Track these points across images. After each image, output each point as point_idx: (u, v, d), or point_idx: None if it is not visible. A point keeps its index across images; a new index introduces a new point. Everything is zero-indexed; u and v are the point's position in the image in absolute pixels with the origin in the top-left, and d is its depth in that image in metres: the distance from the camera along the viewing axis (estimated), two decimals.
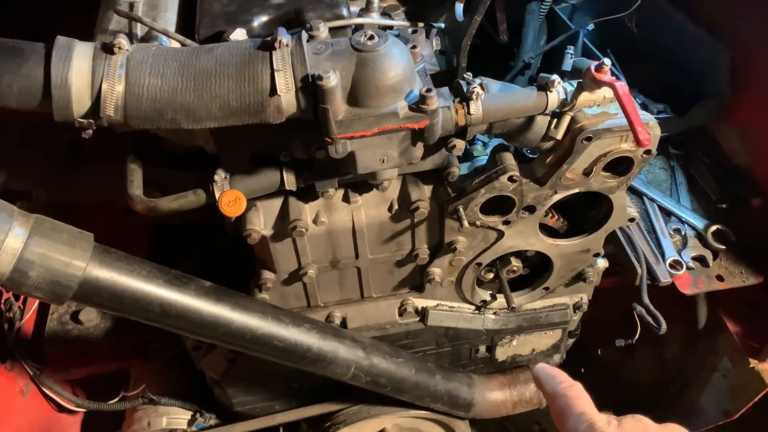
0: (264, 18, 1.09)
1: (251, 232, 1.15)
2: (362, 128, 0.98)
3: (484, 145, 1.42)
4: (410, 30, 1.31)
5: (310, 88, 0.92)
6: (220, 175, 1.10)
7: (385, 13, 1.33)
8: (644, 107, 1.70)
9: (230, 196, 1.04)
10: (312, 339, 1.21)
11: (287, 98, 0.93)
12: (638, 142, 0.99)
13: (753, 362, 1.47)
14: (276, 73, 0.91)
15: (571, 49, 1.49)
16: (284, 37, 0.94)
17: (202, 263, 1.61)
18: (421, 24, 1.26)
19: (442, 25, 1.30)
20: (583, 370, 2.04)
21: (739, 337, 1.52)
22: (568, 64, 1.46)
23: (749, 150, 1.63)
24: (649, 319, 1.42)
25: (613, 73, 1.56)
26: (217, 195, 1.07)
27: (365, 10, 1.17)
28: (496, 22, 2.22)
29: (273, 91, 0.92)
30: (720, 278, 1.48)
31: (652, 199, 1.62)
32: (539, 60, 1.88)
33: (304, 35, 0.98)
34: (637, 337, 1.49)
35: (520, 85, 1.91)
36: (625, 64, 1.89)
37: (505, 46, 2.00)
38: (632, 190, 1.64)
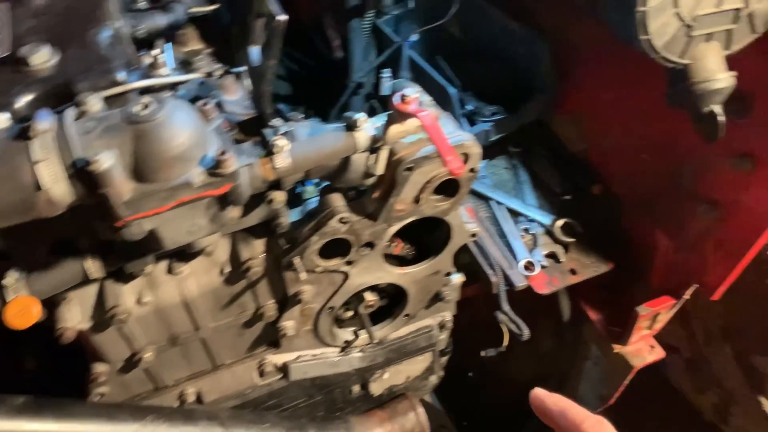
0: (29, 97, 0.97)
1: (63, 331, 1.02)
2: (155, 205, 0.88)
3: (318, 184, 1.36)
4: (215, 76, 1.22)
5: (83, 174, 0.82)
6: (11, 277, 0.96)
7: (185, 62, 1.23)
8: (477, 112, 1.70)
9: (17, 306, 0.91)
10: (159, 430, 1.10)
11: (58, 189, 0.82)
12: (450, 171, 0.96)
13: (616, 347, 1.51)
14: (37, 165, 0.80)
15: (387, 73, 1.45)
16: (43, 120, 0.83)
17: (49, 358, 1.46)
18: (219, 72, 1.17)
19: (244, 68, 1.23)
20: (471, 373, 2.04)
21: (601, 324, 1.56)
22: (386, 88, 1.43)
23: (583, 137, 1.68)
24: (512, 326, 1.41)
25: (440, 81, 1.54)
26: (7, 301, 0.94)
27: (153, 67, 1.07)
28: (329, 40, 2.17)
29: (38, 185, 0.81)
30: (573, 272, 1.50)
31: (499, 202, 1.62)
32: (373, 76, 1.84)
33: (70, 113, 0.87)
34: (505, 343, 1.48)
35: (356, 106, 1.88)
36: (458, 67, 1.89)
37: (343, 63, 1.96)
38: (478, 195, 1.64)
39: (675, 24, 1.08)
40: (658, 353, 1.51)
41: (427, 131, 0.97)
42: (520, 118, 1.67)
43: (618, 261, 1.52)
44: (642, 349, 1.51)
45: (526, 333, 1.40)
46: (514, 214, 1.60)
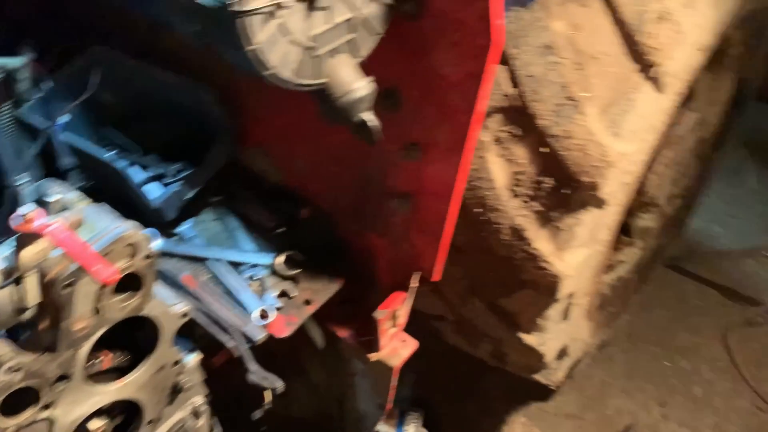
0: None
1: None
2: None
3: None
4: None
5: None
6: None
7: None
8: (164, 174, 1.59)
9: None
10: None
11: None
12: (102, 282, 0.85)
13: (372, 356, 1.52)
14: None
15: (24, 178, 1.28)
16: None
17: None
18: None
19: None
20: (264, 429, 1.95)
21: (353, 339, 1.56)
22: (28, 196, 1.27)
23: (276, 166, 1.66)
24: (265, 382, 1.35)
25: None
26: None
27: None
28: None
29: None
30: (308, 302, 1.48)
31: (217, 259, 1.54)
32: (41, 173, 1.63)
33: None
34: (268, 400, 1.42)
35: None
36: (135, 132, 1.76)
37: None
38: (194, 259, 1.54)
39: (295, 50, 1.08)
40: (412, 344, 1.56)
41: (62, 246, 0.85)
42: (208, 168, 1.60)
43: (347, 274, 1.53)
44: (396, 347, 1.55)
45: (279, 386, 1.34)
46: (235, 265, 1.54)
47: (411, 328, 1.60)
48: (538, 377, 2.60)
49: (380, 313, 1.44)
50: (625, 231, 3.07)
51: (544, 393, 3.17)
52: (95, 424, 1.16)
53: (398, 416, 2.57)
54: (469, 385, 3.17)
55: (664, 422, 3.08)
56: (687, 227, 3.52)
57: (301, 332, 1.57)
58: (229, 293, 1.47)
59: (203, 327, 1.40)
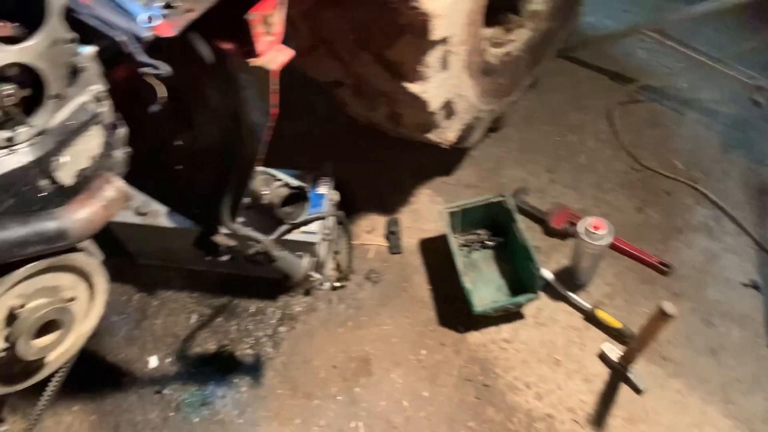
0: None
1: None
2: None
3: None
4: None
5: None
6: None
7: None
8: None
9: None
10: None
11: None
12: None
13: (252, 61, 1.74)
14: None
15: None
16: None
17: None
18: None
19: None
20: (179, 166, 2.19)
21: (236, 51, 1.77)
22: None
23: None
24: (157, 70, 1.57)
25: None
26: None
27: None
28: None
29: None
30: (190, 11, 1.67)
31: None
32: None
33: None
34: (163, 93, 1.64)
35: None
36: None
37: None
38: None
39: None
40: (288, 53, 1.79)
41: None
42: None
43: None
44: (274, 55, 1.77)
45: (164, 69, 1.57)
46: None
47: None
48: (431, 136, 2.91)
49: (251, 15, 1.66)
50: (516, 12, 3.30)
51: (446, 169, 3.52)
52: (4, 88, 1.37)
53: (312, 181, 2.86)
54: (381, 167, 3.49)
55: (551, 185, 3.50)
56: (580, 19, 3.78)
57: (196, 60, 1.78)
58: (116, 4, 1.65)
59: (95, 28, 1.59)
